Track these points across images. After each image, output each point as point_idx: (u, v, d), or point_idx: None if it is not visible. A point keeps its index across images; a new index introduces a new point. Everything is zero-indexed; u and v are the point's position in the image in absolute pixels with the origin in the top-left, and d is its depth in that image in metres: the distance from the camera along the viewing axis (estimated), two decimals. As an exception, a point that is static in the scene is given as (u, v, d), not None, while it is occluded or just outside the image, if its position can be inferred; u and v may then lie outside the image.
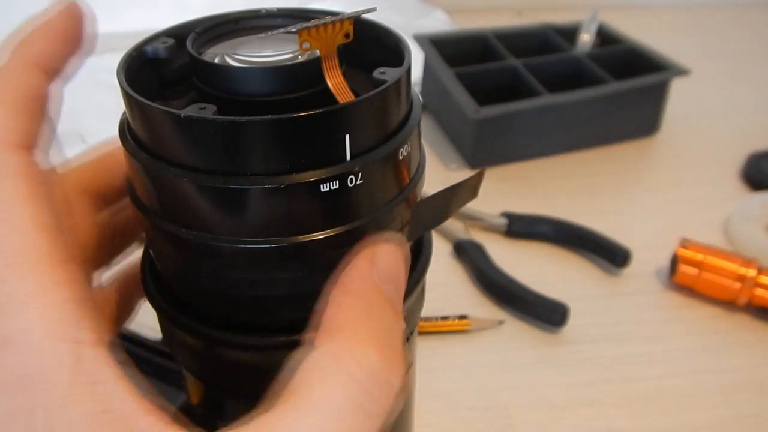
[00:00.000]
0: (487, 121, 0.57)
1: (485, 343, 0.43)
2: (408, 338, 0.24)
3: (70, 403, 0.15)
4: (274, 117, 0.17)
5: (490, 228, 0.52)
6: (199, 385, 0.23)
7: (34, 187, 0.16)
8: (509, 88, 0.63)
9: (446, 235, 0.51)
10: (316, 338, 0.17)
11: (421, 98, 0.22)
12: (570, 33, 0.70)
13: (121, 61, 0.20)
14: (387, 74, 0.19)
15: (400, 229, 0.21)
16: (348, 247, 0.19)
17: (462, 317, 0.43)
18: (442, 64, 0.63)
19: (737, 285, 0.44)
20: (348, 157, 0.18)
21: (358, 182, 0.18)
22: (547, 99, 0.58)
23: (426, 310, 0.45)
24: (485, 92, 0.59)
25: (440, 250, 0.50)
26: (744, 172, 0.60)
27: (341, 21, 0.19)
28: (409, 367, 0.26)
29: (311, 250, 0.18)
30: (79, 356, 0.15)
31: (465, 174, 0.59)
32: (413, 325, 0.25)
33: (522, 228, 0.52)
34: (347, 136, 0.18)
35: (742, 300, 0.44)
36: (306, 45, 0.19)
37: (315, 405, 0.15)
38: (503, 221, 0.52)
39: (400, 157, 0.19)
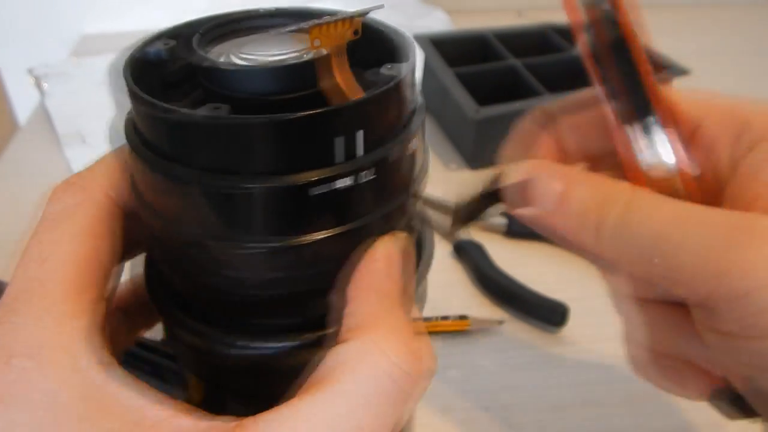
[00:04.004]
0: (487, 121, 0.57)
1: (485, 343, 0.43)
2: None
3: (95, 417, 0.16)
4: (288, 115, 0.17)
5: (490, 228, 0.52)
6: (202, 385, 0.23)
7: (85, 227, 0.20)
8: (509, 88, 0.63)
9: (446, 235, 0.51)
10: (342, 334, 0.18)
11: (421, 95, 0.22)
12: (570, 33, 0.70)
13: (125, 63, 0.20)
14: (394, 69, 0.19)
15: (406, 225, 0.21)
16: (354, 246, 0.19)
17: (462, 317, 0.43)
18: (442, 64, 0.63)
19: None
20: (361, 152, 0.18)
21: (371, 177, 0.18)
22: (547, 99, 0.58)
23: (426, 310, 0.45)
24: (485, 92, 0.59)
25: (440, 250, 0.50)
26: (744, 172, 0.60)
27: (351, 18, 0.19)
28: None
29: (315, 250, 0.18)
30: (105, 375, 0.17)
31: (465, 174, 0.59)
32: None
33: (522, 228, 0.51)
34: (359, 133, 0.18)
35: (742, 300, 0.44)
36: (317, 42, 0.19)
37: (345, 393, 0.17)
38: (503, 221, 0.52)
39: (408, 153, 0.19)
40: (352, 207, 0.18)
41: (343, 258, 0.19)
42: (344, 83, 0.19)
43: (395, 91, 0.18)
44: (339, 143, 0.17)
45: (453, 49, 0.67)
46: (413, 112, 0.20)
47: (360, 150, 0.18)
